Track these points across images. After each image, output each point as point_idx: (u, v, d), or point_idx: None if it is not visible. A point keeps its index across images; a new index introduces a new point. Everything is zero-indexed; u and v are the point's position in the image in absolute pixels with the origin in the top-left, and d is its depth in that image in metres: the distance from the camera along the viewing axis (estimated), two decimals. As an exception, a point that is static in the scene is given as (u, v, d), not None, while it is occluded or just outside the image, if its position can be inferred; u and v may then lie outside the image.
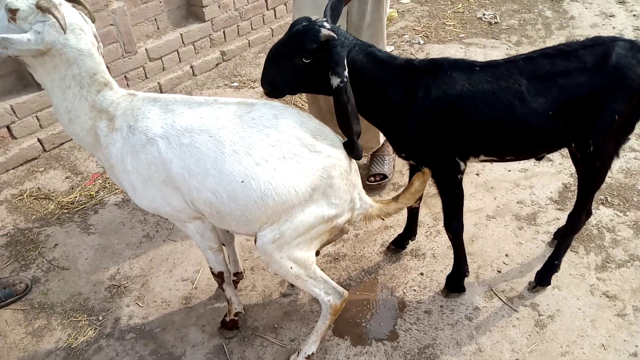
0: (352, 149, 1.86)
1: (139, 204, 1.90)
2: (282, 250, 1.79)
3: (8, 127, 3.36)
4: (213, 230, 2.00)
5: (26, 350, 2.28)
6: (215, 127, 1.70)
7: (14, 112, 3.36)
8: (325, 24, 1.89)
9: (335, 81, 1.85)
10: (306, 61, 1.88)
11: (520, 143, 2.02)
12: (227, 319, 2.29)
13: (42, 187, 3.25)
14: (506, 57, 2.18)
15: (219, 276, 2.15)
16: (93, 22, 1.79)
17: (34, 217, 3.02)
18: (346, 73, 1.85)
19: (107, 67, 3.82)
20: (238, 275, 2.51)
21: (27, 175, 3.36)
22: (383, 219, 2.12)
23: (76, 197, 3.16)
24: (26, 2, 1.59)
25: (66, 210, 3.06)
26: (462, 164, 2.06)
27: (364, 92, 1.98)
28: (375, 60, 1.98)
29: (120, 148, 1.77)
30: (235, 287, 2.46)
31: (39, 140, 3.50)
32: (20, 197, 3.16)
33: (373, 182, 3.11)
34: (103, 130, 1.79)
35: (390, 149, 3.23)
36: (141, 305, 2.47)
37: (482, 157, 2.09)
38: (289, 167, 1.69)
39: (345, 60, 1.87)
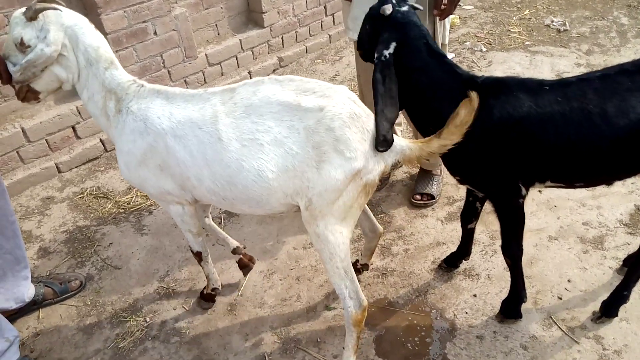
0: (376, 135, 1.71)
1: (127, 178, 2.01)
2: (316, 219, 1.76)
3: (73, 127, 3.51)
4: (193, 217, 2.11)
5: (77, 347, 2.35)
6: (203, 118, 1.77)
7: (79, 113, 3.50)
8: (404, 7, 1.87)
9: (374, 54, 1.86)
10: (367, 27, 1.95)
11: (592, 170, 1.84)
12: (205, 292, 2.48)
13: (102, 186, 3.37)
14: (579, 71, 2.02)
15: (197, 255, 2.31)
16: None
17: (92, 215, 3.12)
18: (386, 53, 1.83)
19: (168, 71, 3.96)
20: (237, 250, 2.54)
21: (89, 174, 3.49)
22: (428, 160, 1.98)
23: (132, 197, 3.25)
24: (21, 29, 1.73)
25: (122, 210, 3.15)
26: (524, 189, 1.92)
27: (415, 97, 1.90)
28: (438, 66, 1.87)
29: (121, 129, 1.89)
30: (247, 264, 2.56)
31: (101, 140, 3.64)
32: (81, 195, 3.29)
33: (419, 200, 2.99)
34: (111, 110, 1.90)
35: (439, 169, 3.11)
36: (187, 309, 2.49)
37: (548, 184, 1.94)
38: (277, 136, 1.70)
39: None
